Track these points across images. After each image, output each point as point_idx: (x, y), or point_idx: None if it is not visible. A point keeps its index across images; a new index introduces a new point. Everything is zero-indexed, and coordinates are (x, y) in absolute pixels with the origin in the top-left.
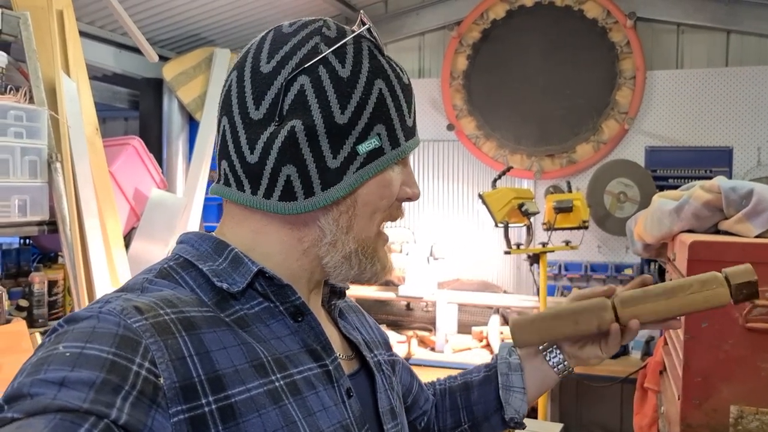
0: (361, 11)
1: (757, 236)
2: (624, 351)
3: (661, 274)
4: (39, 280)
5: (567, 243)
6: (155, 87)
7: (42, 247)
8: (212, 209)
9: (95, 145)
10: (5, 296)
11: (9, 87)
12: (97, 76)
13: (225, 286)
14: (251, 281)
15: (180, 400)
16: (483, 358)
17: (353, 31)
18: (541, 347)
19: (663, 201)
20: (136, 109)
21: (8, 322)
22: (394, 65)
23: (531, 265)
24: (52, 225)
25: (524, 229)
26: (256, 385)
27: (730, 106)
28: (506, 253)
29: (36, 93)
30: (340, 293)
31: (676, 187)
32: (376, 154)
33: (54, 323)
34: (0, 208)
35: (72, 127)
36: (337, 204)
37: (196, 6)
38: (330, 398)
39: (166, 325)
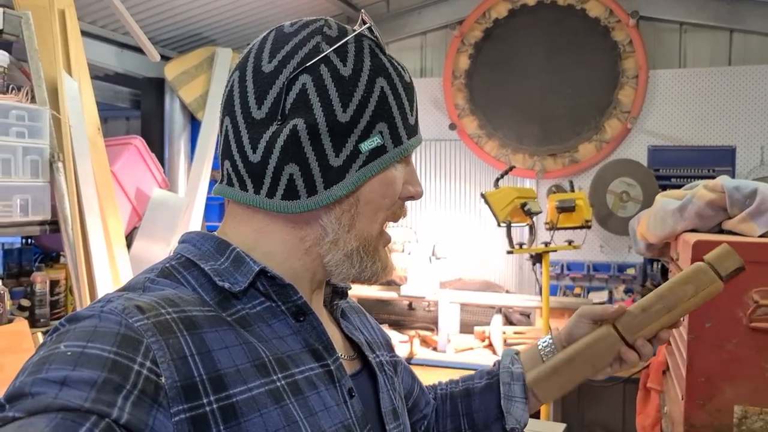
0: (363, 10)
1: (761, 235)
2: None
3: (664, 274)
4: (41, 279)
5: (569, 242)
6: (157, 86)
7: (44, 246)
8: (214, 209)
9: (97, 144)
10: (7, 296)
11: (11, 86)
12: (99, 75)
13: (227, 285)
14: (253, 281)
15: (181, 399)
16: (485, 357)
17: (354, 30)
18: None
19: (666, 200)
20: (138, 108)
21: (10, 321)
22: (396, 64)
23: (533, 264)
24: (53, 225)
25: (527, 228)
26: (257, 385)
27: (733, 106)
28: (509, 252)
29: (38, 92)
30: (342, 293)
31: (679, 187)
32: (378, 152)
33: (56, 323)
34: (2, 208)
35: (74, 127)
36: (340, 202)
37: (197, 5)
38: (332, 398)
39: (167, 324)
